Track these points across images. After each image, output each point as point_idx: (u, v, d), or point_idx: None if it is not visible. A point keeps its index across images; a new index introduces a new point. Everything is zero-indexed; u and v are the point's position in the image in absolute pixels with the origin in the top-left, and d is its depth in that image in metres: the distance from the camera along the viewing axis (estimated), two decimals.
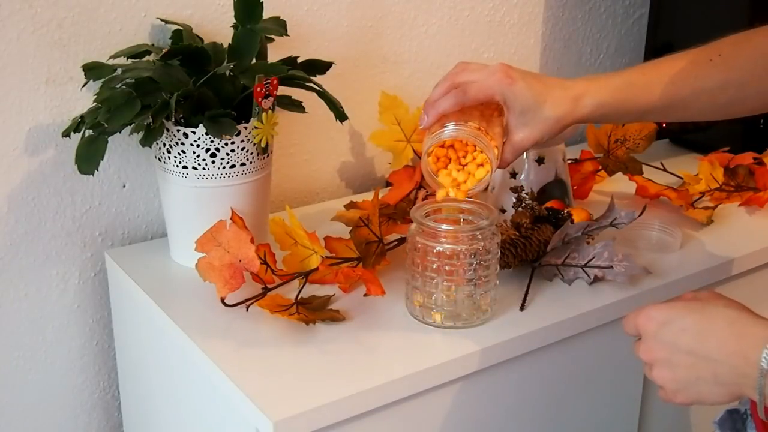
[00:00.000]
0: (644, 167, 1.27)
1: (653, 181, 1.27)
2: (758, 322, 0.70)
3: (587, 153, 1.29)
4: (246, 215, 1.00)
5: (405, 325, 0.95)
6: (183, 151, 1.00)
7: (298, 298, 0.97)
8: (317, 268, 0.98)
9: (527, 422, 1.01)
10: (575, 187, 1.24)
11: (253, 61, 1.05)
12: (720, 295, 0.76)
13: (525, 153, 1.14)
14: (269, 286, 0.96)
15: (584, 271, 1.02)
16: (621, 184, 1.31)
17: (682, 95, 0.92)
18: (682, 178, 1.30)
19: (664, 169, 1.33)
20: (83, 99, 1.09)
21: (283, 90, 1.04)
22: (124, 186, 1.16)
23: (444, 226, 0.92)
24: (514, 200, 1.08)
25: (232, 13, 1.06)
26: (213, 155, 1.00)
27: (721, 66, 0.91)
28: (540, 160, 1.14)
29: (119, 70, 1.03)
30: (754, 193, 1.26)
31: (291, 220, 1.00)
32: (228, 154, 1.00)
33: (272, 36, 1.12)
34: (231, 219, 0.97)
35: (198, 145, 1.00)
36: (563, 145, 1.16)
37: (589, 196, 1.28)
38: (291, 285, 0.99)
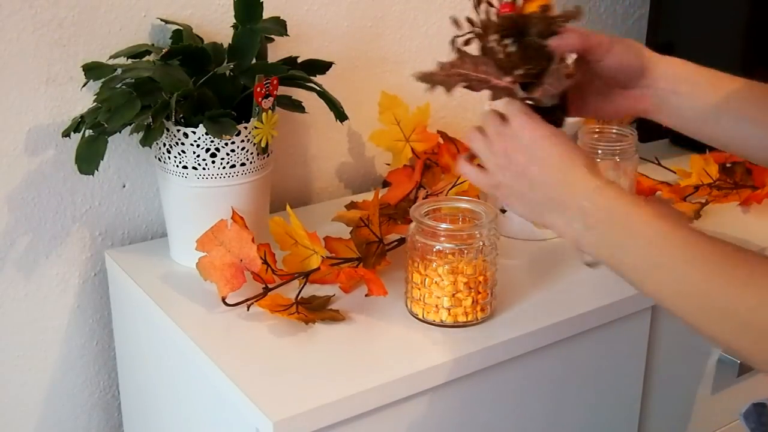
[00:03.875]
0: (641, 164, 1.27)
1: (647, 176, 1.28)
2: (603, 178, 0.76)
3: None
4: (246, 215, 1.00)
5: (405, 324, 0.95)
6: (183, 151, 1.00)
7: (299, 298, 0.97)
8: (318, 268, 0.98)
9: (527, 422, 1.01)
10: None
11: (253, 61, 1.05)
12: (591, 156, 0.81)
13: None
14: (270, 286, 0.96)
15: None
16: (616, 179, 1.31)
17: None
18: (675, 173, 1.31)
19: (659, 163, 1.34)
20: (83, 99, 1.09)
21: (283, 90, 1.04)
22: (124, 186, 1.16)
23: (443, 225, 0.92)
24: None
25: (232, 13, 1.06)
26: (213, 155, 1.00)
27: None
28: None
29: (119, 70, 1.03)
30: (752, 191, 1.26)
31: (292, 220, 1.00)
32: (228, 154, 1.00)
33: (272, 36, 1.12)
34: (232, 218, 0.97)
35: (198, 145, 1.00)
36: None
37: None
38: (291, 285, 0.99)
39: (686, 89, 0.88)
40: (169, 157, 1.02)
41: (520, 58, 0.81)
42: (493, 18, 0.83)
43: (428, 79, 0.83)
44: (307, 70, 1.09)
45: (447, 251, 0.91)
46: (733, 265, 0.67)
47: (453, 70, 0.82)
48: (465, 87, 0.83)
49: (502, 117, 0.80)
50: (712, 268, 0.68)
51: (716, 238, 0.70)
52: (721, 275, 0.67)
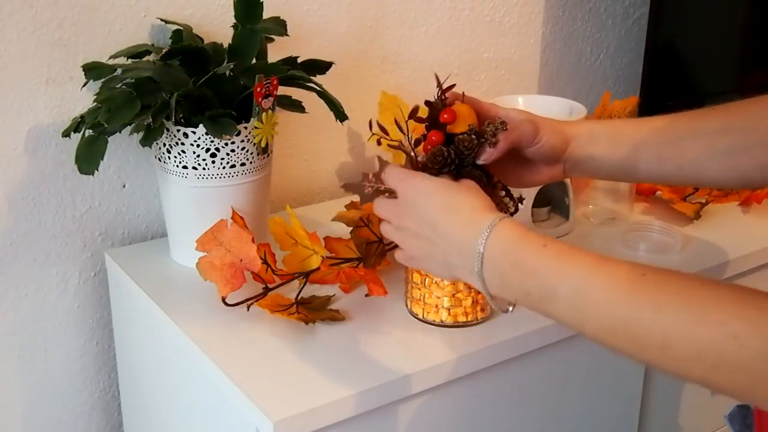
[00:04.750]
0: None
1: None
2: (491, 214, 0.73)
3: None
4: (246, 215, 1.00)
5: (405, 324, 0.95)
6: (183, 151, 1.00)
7: (299, 298, 0.97)
8: (318, 268, 0.98)
9: (527, 422, 1.01)
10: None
11: (253, 61, 1.05)
12: (475, 186, 0.78)
13: None
14: (270, 286, 0.96)
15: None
16: None
17: (679, 133, 0.88)
18: None
19: None
20: (83, 99, 1.09)
21: (283, 90, 1.04)
22: (124, 186, 1.16)
23: None
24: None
25: (232, 13, 1.06)
26: (213, 155, 1.00)
27: (723, 112, 0.87)
28: None
29: (119, 70, 1.03)
30: (752, 191, 1.26)
31: (292, 221, 1.00)
32: (228, 154, 1.00)
33: (272, 36, 1.12)
34: (232, 218, 0.97)
35: (198, 145, 1.00)
36: None
37: (585, 192, 1.28)
38: (291, 285, 0.99)
39: (600, 151, 0.89)
40: (169, 157, 1.02)
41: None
42: (425, 155, 0.85)
43: (355, 190, 0.84)
44: (307, 70, 1.09)
45: None
46: (653, 289, 0.63)
47: (381, 186, 0.84)
48: None
49: (390, 192, 0.81)
50: (637, 294, 0.63)
51: (625, 261, 0.66)
52: (643, 299, 0.63)
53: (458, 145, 0.84)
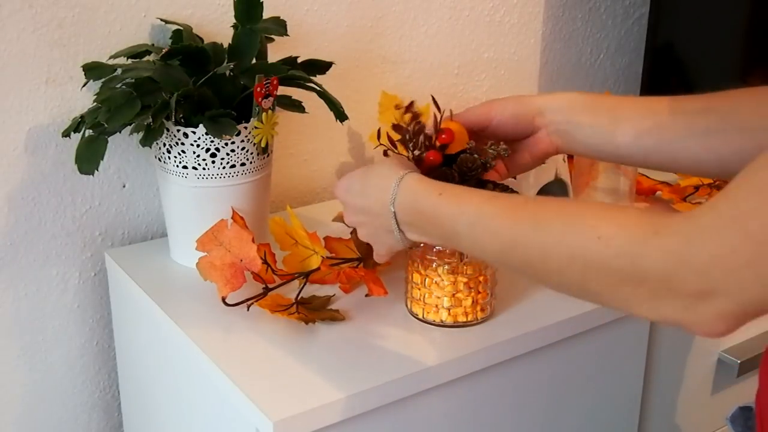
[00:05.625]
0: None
1: (647, 176, 1.28)
2: (394, 177, 0.80)
3: None
4: (246, 215, 1.00)
5: (405, 324, 0.95)
6: (183, 151, 1.00)
7: (299, 298, 0.97)
8: (318, 268, 0.98)
9: (527, 422, 1.01)
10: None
11: (253, 61, 1.05)
12: (398, 156, 0.86)
13: None
14: (270, 286, 0.96)
15: None
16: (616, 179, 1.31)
17: (658, 109, 0.87)
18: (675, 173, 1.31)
19: None
20: (83, 99, 1.09)
21: (283, 90, 1.04)
22: (124, 186, 1.16)
23: None
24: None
25: (232, 13, 1.06)
26: (213, 155, 1.00)
27: (705, 97, 0.87)
28: None
29: (119, 70, 1.03)
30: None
31: (292, 221, 1.00)
32: (228, 154, 1.01)
33: (272, 36, 1.12)
34: (232, 218, 0.97)
35: (198, 145, 1.00)
36: None
37: (585, 192, 1.28)
38: (291, 285, 0.99)
39: (580, 118, 0.88)
40: (169, 157, 1.02)
41: None
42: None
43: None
44: (307, 70, 1.09)
45: (447, 251, 0.91)
46: (534, 210, 0.70)
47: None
48: None
49: None
50: (515, 215, 0.70)
51: (513, 195, 0.74)
52: (524, 220, 0.69)
53: (461, 166, 0.85)
